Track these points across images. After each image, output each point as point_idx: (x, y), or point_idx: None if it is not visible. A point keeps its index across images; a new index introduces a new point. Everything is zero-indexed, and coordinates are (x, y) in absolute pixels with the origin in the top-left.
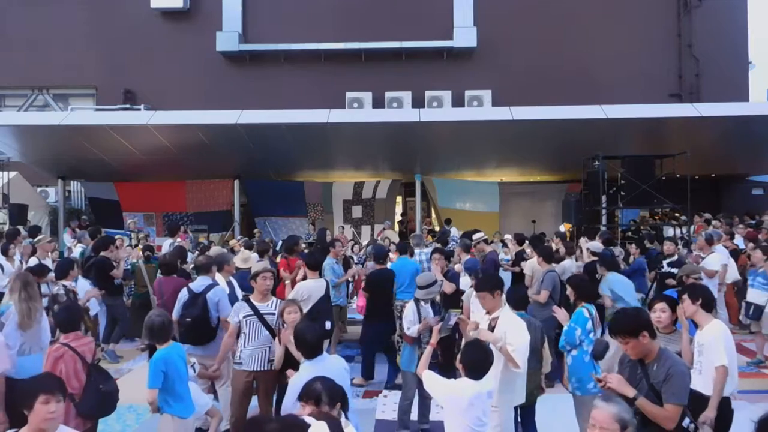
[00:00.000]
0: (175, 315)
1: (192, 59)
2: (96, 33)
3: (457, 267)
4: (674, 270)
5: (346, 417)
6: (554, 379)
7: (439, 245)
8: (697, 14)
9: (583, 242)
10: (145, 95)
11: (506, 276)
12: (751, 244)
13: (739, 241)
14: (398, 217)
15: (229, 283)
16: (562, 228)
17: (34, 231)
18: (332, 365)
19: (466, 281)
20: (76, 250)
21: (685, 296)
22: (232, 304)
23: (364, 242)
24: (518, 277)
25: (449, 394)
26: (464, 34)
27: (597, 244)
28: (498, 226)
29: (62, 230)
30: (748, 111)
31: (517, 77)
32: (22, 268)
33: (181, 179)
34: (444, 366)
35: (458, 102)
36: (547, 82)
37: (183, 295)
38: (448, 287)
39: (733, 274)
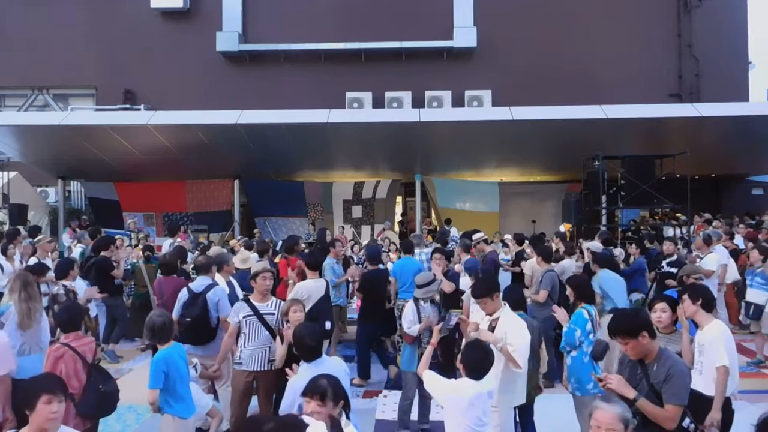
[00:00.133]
0: (175, 315)
1: (192, 59)
2: (96, 33)
3: (457, 267)
4: (674, 270)
5: (347, 417)
6: (554, 380)
7: (439, 245)
8: (697, 14)
9: (584, 243)
10: (145, 95)
11: (506, 276)
12: (750, 244)
13: (739, 241)
14: (398, 217)
15: (229, 283)
16: (562, 228)
17: (34, 231)
18: (332, 368)
19: (466, 281)
20: (76, 250)
21: (686, 296)
22: (232, 304)
23: (364, 242)
24: (518, 278)
25: (450, 394)
26: (464, 34)
27: (597, 244)
28: (498, 226)
29: (62, 230)
30: (748, 111)
31: (517, 77)
32: (22, 268)
33: (181, 179)
34: (444, 366)
35: (458, 102)
36: (547, 82)
37: (183, 295)
38: (447, 286)
39: (733, 274)
